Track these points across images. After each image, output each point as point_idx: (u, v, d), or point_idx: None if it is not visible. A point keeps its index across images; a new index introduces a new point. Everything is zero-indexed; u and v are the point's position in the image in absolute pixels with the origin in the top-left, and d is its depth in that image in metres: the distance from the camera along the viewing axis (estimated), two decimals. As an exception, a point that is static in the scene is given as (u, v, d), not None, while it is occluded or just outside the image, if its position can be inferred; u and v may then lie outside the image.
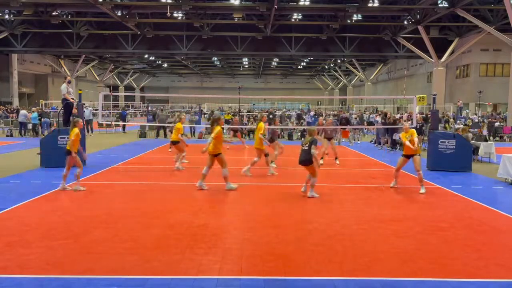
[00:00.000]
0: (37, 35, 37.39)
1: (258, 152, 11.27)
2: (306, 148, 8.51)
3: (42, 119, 23.40)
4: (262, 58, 53.13)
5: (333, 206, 8.15)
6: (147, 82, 79.39)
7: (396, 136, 18.04)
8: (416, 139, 9.45)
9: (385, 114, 20.99)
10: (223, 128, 9.83)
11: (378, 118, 24.05)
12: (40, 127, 23.48)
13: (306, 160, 8.52)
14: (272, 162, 12.43)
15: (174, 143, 12.26)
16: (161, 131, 23.99)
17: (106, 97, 52.89)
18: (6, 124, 25.66)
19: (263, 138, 11.33)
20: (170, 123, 19.93)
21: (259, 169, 12.33)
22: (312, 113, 37.34)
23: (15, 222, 6.75)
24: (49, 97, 51.53)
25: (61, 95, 13.63)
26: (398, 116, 24.97)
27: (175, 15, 31.56)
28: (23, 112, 24.47)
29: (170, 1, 28.06)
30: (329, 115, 30.42)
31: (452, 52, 35.28)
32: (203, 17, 31.59)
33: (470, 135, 15.23)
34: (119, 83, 74.01)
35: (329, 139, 13.71)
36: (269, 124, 15.45)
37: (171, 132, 13.30)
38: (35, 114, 23.39)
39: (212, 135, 9.00)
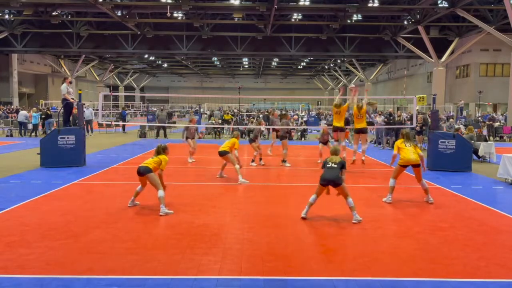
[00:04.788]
0: (37, 35, 37.34)
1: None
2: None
3: (46, 120, 23.42)
4: (262, 58, 53.09)
5: (333, 206, 8.13)
6: (147, 82, 79.36)
7: None
8: None
9: (390, 114, 20.90)
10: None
11: (378, 118, 23.99)
12: (41, 127, 23.53)
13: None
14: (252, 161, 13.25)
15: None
16: (161, 131, 23.99)
17: (106, 97, 52.88)
18: (6, 124, 25.66)
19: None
20: (171, 123, 19.91)
21: (258, 169, 12.33)
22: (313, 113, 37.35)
23: (15, 222, 6.75)
24: (49, 97, 51.50)
25: (61, 95, 13.64)
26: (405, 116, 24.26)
27: (175, 15, 31.55)
28: (23, 112, 24.50)
29: (170, 1, 28.04)
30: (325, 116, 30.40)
31: (452, 52, 35.26)
32: (203, 17, 31.57)
33: (473, 135, 15.38)
34: (119, 83, 73.96)
35: (324, 143, 13.98)
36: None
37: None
38: (35, 114, 23.36)
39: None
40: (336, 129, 12.31)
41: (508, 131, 24.31)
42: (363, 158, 12.29)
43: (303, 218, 7.11)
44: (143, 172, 7.45)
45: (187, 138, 14.05)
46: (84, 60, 50.91)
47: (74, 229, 6.41)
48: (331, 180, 6.99)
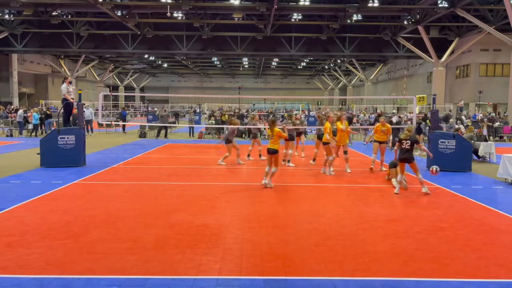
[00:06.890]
0: (37, 35, 37.35)
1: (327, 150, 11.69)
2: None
3: (46, 120, 23.41)
4: (262, 58, 53.09)
5: (333, 206, 8.14)
6: (147, 82, 79.38)
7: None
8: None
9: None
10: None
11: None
12: (40, 127, 23.54)
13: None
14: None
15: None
16: (162, 131, 23.97)
17: (106, 97, 52.86)
18: (6, 124, 25.66)
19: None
20: (172, 122, 19.92)
21: (258, 170, 12.31)
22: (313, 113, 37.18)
23: (15, 222, 6.75)
24: (49, 97, 51.50)
25: (61, 95, 13.66)
26: (394, 119, 23.25)
27: (175, 15, 31.56)
28: (19, 111, 24.55)
29: (170, 1, 28.04)
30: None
31: (452, 52, 35.26)
32: (203, 17, 31.58)
33: (473, 135, 15.38)
34: (119, 83, 73.96)
35: None
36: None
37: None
38: (36, 115, 23.35)
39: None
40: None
41: (508, 131, 24.30)
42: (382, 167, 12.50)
43: (396, 194, 9.07)
44: (272, 153, 9.34)
45: (253, 136, 15.05)
46: (84, 60, 50.93)
47: (74, 229, 6.41)
48: (406, 159, 9.16)
